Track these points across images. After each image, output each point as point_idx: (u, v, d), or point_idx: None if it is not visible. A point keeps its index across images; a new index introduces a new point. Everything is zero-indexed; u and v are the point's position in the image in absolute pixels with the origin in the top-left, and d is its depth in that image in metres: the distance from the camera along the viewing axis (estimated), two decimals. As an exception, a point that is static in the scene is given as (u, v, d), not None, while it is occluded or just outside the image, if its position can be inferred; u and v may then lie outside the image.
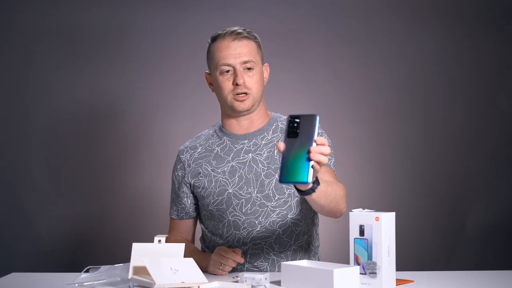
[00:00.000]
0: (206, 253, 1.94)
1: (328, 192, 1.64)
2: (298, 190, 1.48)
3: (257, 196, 1.88)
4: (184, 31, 3.05)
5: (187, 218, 2.03)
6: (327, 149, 1.34)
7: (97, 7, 3.05)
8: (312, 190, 1.48)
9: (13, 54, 3.05)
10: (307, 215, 1.94)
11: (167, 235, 1.64)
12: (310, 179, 1.33)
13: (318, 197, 1.55)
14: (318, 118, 1.35)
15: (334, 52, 3.09)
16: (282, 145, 1.36)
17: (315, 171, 1.36)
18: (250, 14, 3.03)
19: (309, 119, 1.36)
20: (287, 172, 1.33)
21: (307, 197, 1.53)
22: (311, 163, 1.33)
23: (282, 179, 1.34)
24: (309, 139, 1.34)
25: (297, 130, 1.36)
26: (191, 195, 2.00)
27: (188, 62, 2.99)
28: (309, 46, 3.08)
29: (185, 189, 1.99)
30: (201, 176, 1.94)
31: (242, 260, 1.77)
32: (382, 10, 3.09)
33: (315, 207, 1.69)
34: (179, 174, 2.00)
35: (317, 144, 1.34)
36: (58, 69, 3.04)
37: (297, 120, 1.36)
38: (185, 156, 1.99)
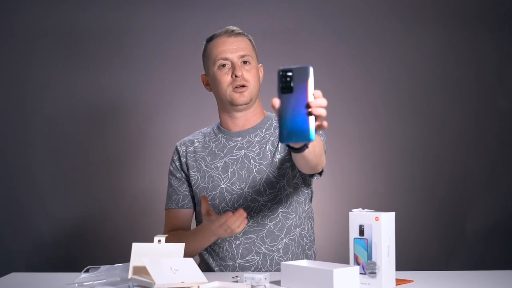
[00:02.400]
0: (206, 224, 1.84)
1: (315, 146, 1.64)
2: (292, 148, 1.43)
3: (248, 192, 1.90)
4: (184, 31, 3.05)
5: (187, 207, 2.03)
6: (324, 101, 1.25)
7: (97, 7, 3.05)
8: (307, 146, 1.43)
9: (13, 54, 3.05)
10: (298, 208, 1.96)
11: (167, 235, 1.64)
12: (313, 137, 1.23)
13: (308, 152, 1.55)
14: (311, 69, 1.25)
15: (334, 52, 3.09)
16: (277, 102, 1.25)
17: (316, 126, 1.27)
18: (250, 14, 3.03)
19: (303, 72, 1.25)
20: (287, 131, 1.23)
21: (298, 154, 1.54)
22: (312, 118, 1.23)
23: (284, 139, 1.24)
24: (305, 94, 1.24)
25: (291, 84, 1.25)
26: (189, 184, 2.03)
27: (188, 62, 2.99)
28: (309, 46, 3.08)
29: (185, 178, 2.02)
30: (194, 171, 1.98)
31: (244, 214, 1.72)
32: (382, 10, 3.09)
33: (301, 163, 1.69)
34: (177, 164, 2.04)
35: (314, 98, 1.25)
36: (58, 69, 3.04)
37: (290, 74, 1.25)
38: (182, 149, 2.04)
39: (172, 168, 2.06)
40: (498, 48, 3.07)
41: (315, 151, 1.64)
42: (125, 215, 3.03)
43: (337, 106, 3.08)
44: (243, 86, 1.91)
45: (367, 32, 3.09)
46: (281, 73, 1.25)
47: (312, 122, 1.23)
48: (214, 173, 1.94)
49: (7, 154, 3.03)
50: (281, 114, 1.24)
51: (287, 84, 1.25)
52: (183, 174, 2.02)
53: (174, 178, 2.05)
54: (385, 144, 3.07)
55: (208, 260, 1.96)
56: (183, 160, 2.02)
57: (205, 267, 1.99)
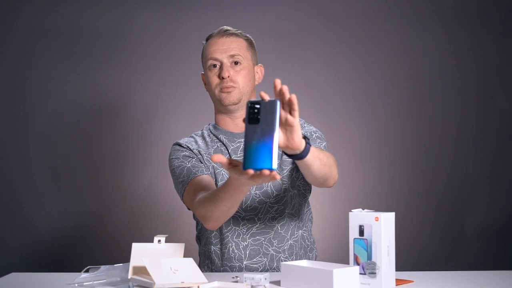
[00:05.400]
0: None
1: (321, 156, 1.62)
2: (292, 155, 1.45)
3: (256, 193, 1.90)
4: (184, 31, 3.05)
5: (211, 176, 1.90)
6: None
7: (97, 7, 3.05)
8: (306, 153, 1.46)
9: (13, 54, 3.05)
10: (301, 210, 1.97)
11: (167, 235, 1.64)
12: (274, 166, 1.29)
13: (312, 160, 1.54)
14: (278, 103, 1.32)
15: (334, 52, 3.09)
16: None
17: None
18: (250, 14, 3.03)
19: (270, 105, 1.32)
20: (250, 159, 1.29)
21: (301, 162, 1.51)
22: (275, 149, 1.29)
23: (246, 166, 1.29)
24: (272, 125, 1.30)
25: (258, 116, 1.31)
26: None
27: (188, 62, 2.99)
28: (309, 46, 3.08)
29: (201, 161, 1.92)
30: (203, 168, 1.91)
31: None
32: (382, 10, 3.09)
33: (309, 173, 1.65)
34: (187, 153, 1.93)
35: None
36: (57, 69, 3.04)
37: (257, 106, 1.32)
38: (186, 145, 1.95)
39: (181, 156, 1.92)
40: (499, 48, 3.07)
41: (321, 161, 1.61)
42: (125, 215, 3.03)
43: (337, 106, 3.08)
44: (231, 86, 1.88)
45: (367, 32, 3.09)
46: (249, 105, 1.33)
47: (273, 152, 1.29)
48: (223, 171, 1.91)
49: (7, 154, 3.03)
50: (246, 142, 1.30)
51: (254, 116, 1.32)
52: (198, 157, 1.91)
53: (188, 160, 1.90)
54: (385, 144, 3.07)
55: (214, 260, 1.94)
56: (192, 151, 1.93)
57: (209, 267, 1.97)
